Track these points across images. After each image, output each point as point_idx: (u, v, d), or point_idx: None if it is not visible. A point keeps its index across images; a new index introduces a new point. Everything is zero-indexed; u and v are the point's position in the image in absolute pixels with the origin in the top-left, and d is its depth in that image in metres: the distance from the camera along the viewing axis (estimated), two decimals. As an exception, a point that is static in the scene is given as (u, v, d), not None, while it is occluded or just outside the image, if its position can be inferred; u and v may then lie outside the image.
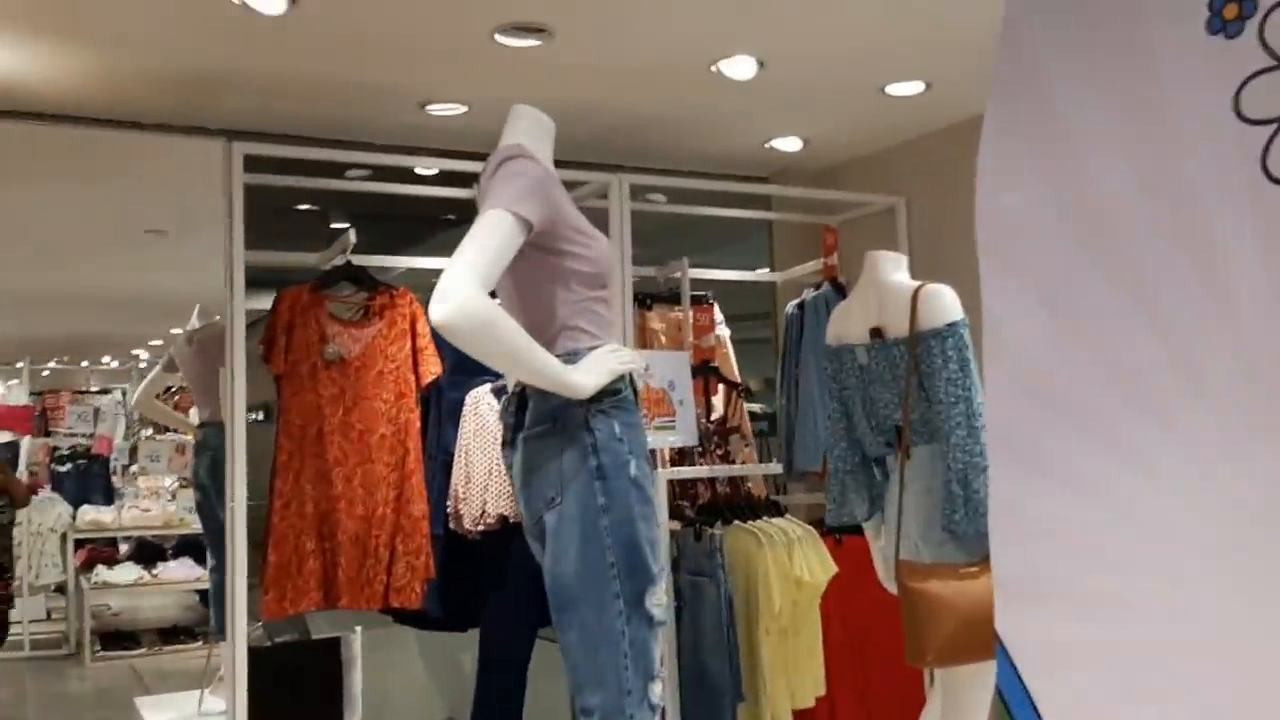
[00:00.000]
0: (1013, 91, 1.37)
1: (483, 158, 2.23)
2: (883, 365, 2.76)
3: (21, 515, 5.78)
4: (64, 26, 2.94)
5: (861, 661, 3.52)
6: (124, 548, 6.86)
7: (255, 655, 3.05)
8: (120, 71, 3.27)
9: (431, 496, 3.29)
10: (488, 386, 3.29)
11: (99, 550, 6.71)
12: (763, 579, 3.18)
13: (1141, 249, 1.22)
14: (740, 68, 3.35)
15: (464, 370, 3.22)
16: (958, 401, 2.59)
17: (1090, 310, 1.27)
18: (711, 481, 3.68)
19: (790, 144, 4.23)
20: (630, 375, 2.18)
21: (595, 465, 2.06)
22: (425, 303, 1.96)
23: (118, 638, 6.42)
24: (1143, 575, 1.22)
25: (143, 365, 7.77)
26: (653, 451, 3.39)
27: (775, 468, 3.83)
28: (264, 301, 3.26)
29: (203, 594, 5.93)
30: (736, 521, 3.33)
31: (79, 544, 6.71)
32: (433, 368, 3.30)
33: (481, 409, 3.31)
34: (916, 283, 2.73)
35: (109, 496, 7.21)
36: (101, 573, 6.37)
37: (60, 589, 6.67)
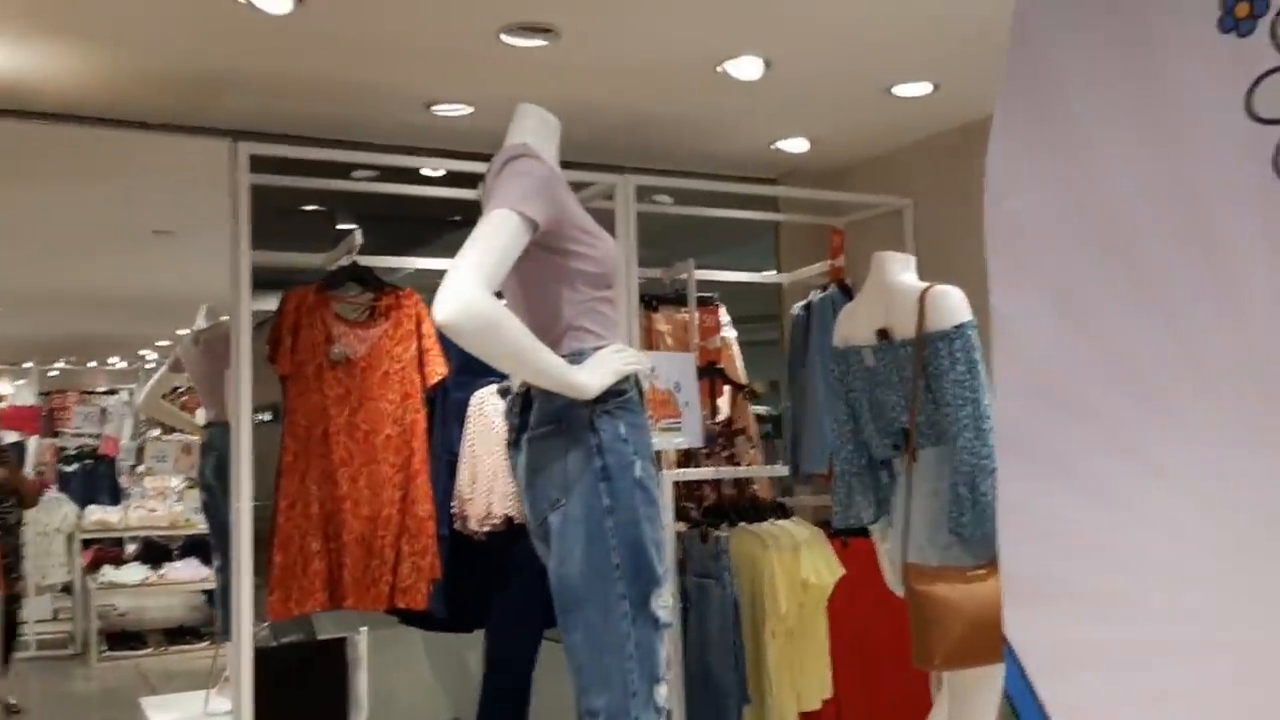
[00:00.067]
0: (1022, 91, 1.36)
1: (488, 158, 2.23)
2: (890, 367, 2.75)
3: (28, 515, 5.79)
4: (70, 26, 2.94)
5: (868, 664, 3.51)
6: (130, 548, 6.87)
7: (261, 656, 3.05)
8: (126, 71, 3.27)
9: (437, 497, 3.29)
10: (493, 387, 3.29)
11: (105, 550, 6.73)
12: (769, 581, 3.17)
13: (1151, 249, 1.21)
14: (747, 68, 3.34)
15: (469, 371, 3.22)
16: (965, 404, 2.57)
17: (1100, 311, 1.26)
18: (717, 483, 3.68)
19: (797, 145, 4.23)
20: (635, 376, 2.18)
21: (600, 466, 2.05)
22: (431, 303, 1.95)
23: (124, 638, 6.43)
24: (1151, 576, 1.21)
25: (150, 366, 7.79)
26: (658, 453, 3.39)
27: (781, 470, 3.82)
28: (271, 302, 3.27)
29: (209, 594, 5.93)
30: (742, 523, 3.32)
31: (85, 544, 6.73)
32: (438, 368, 3.30)
33: (487, 409, 3.30)
34: (924, 284, 2.72)
35: (115, 497, 7.23)
36: (108, 573, 6.39)
37: (66, 589, 6.69)
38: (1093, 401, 1.27)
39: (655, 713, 2.06)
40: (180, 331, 4.57)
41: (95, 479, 7.42)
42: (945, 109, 3.79)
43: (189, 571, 6.48)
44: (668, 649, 2.17)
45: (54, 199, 4.30)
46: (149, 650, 6.29)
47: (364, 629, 3.49)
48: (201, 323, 4.24)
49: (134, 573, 6.44)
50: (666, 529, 3.05)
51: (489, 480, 3.26)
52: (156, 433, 6.67)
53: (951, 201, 3.80)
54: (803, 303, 3.92)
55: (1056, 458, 1.31)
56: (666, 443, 3.31)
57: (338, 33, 3.02)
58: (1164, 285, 1.20)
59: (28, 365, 8.80)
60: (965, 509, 2.55)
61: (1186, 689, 1.18)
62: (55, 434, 7.99)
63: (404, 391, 3.25)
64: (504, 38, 3.06)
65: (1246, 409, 1.13)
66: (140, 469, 6.86)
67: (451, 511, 3.35)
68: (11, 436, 6.90)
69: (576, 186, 3.35)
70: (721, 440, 3.77)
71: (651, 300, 4.00)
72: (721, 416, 3.88)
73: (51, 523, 6.53)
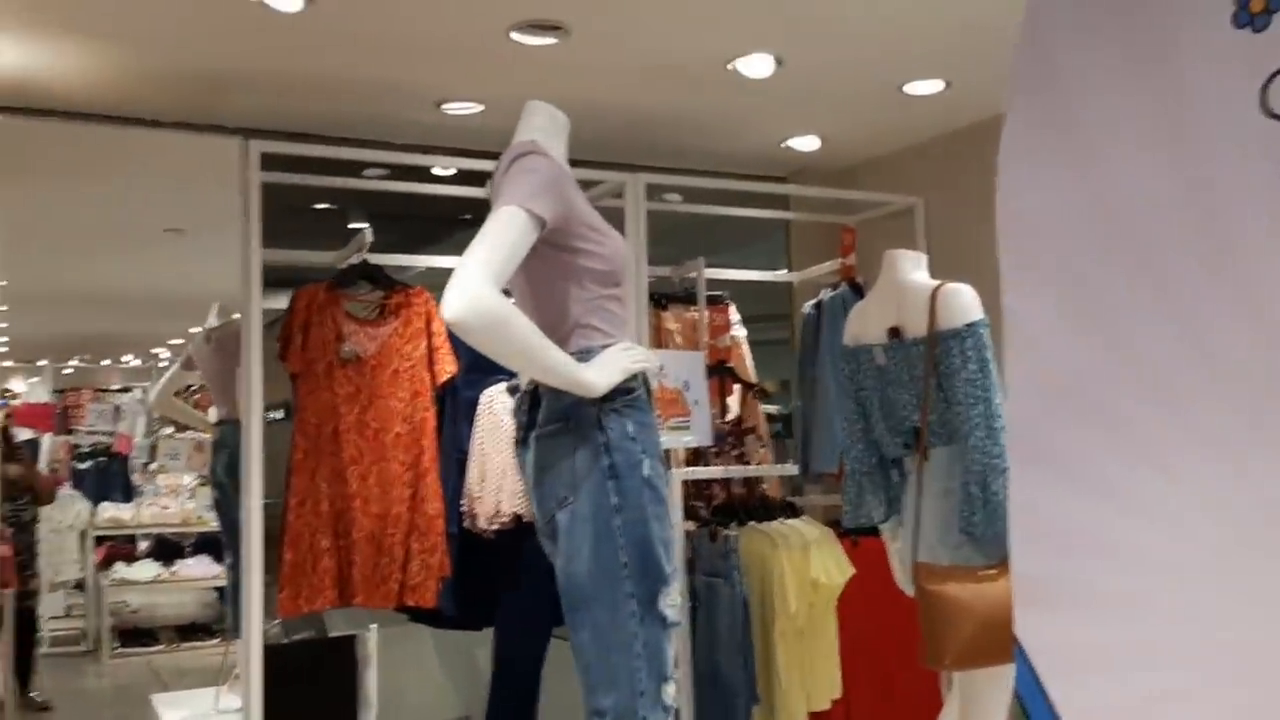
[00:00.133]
0: (1033, 87, 1.35)
1: (498, 157, 2.22)
2: (901, 365, 2.73)
3: (42, 512, 5.82)
4: (80, 23, 2.95)
5: (878, 664, 3.50)
6: (143, 545, 6.90)
7: (271, 653, 3.06)
8: (136, 69, 3.28)
9: (446, 495, 3.29)
10: (502, 385, 3.29)
11: (118, 547, 6.76)
12: (778, 580, 3.16)
13: (1164, 247, 1.20)
14: (757, 66, 3.33)
15: (479, 369, 3.22)
16: (977, 402, 2.56)
17: (1112, 310, 1.25)
18: (727, 482, 3.67)
19: (808, 143, 4.21)
20: (644, 374, 2.17)
21: (608, 464, 2.05)
22: (440, 301, 1.94)
23: (136, 634, 6.46)
24: (1163, 577, 1.20)
25: (163, 364, 7.82)
26: (667, 452, 3.38)
27: (791, 469, 3.81)
28: (283, 300, 3.27)
29: (221, 591, 5.96)
30: (752, 523, 3.32)
31: (98, 541, 6.77)
32: (448, 366, 3.30)
33: (496, 408, 3.30)
34: (935, 282, 2.71)
35: (128, 494, 7.26)
36: (120, 570, 6.42)
37: (79, 586, 6.73)
38: (1105, 402, 1.26)
39: (663, 712, 2.06)
40: (193, 330, 4.59)
41: (108, 476, 7.45)
42: (957, 107, 3.77)
43: (201, 569, 6.50)
44: (676, 648, 2.17)
45: (66, 197, 4.32)
46: (161, 647, 6.32)
47: (373, 626, 3.49)
48: (213, 321, 4.25)
49: (146, 570, 6.47)
50: (675, 528, 3.05)
51: (498, 478, 3.26)
52: (169, 431, 6.70)
53: (963, 200, 3.78)
54: (813, 301, 3.91)
55: (1068, 458, 1.30)
56: (675, 441, 3.31)
57: (348, 31, 3.02)
58: (1177, 284, 1.19)
59: (42, 363, 8.85)
60: (977, 508, 2.54)
61: (1198, 691, 1.17)
62: (69, 431, 8.03)
63: (414, 389, 3.26)
64: (514, 36, 3.05)
65: (1260, 410, 1.12)
66: (153, 466, 6.89)
67: (461, 509, 3.35)
68: (25, 434, 6.93)
69: (586, 185, 3.35)
70: (731, 439, 3.77)
71: (661, 299, 3.99)
72: (731, 415, 3.88)
73: (65, 520, 6.57)
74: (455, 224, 4.53)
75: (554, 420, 2.10)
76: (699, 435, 3.35)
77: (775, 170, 4.57)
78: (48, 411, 7.93)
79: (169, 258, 5.22)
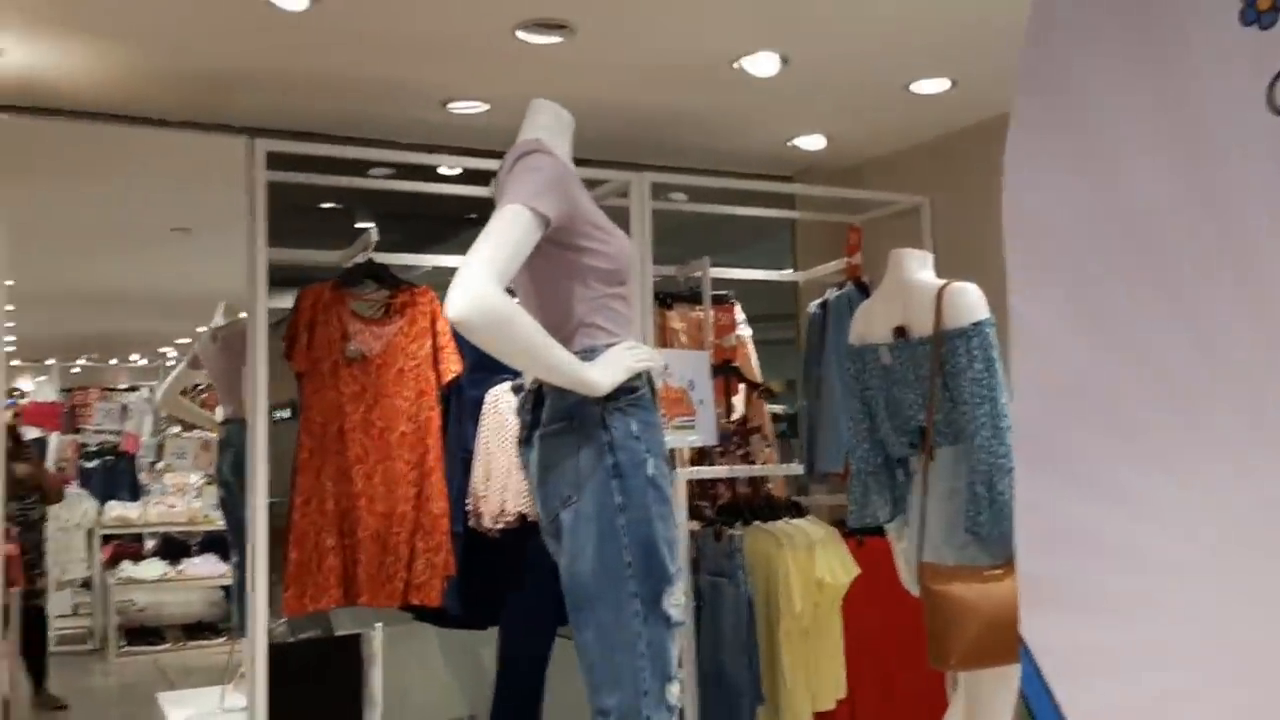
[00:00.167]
0: (1039, 86, 1.34)
1: (504, 156, 2.22)
2: (906, 365, 2.73)
3: (50, 511, 5.84)
4: (86, 23, 2.96)
5: (883, 664, 3.49)
6: (149, 543, 6.91)
7: (276, 651, 3.06)
8: (142, 68, 3.29)
9: (451, 494, 3.29)
10: (507, 384, 3.28)
11: (125, 546, 6.76)
12: (783, 580, 3.16)
13: (1172, 246, 1.20)
14: (763, 64, 3.33)
15: (484, 368, 3.22)
16: (983, 402, 2.55)
17: (1119, 309, 1.25)
18: (732, 482, 3.66)
19: (814, 142, 4.21)
20: (648, 373, 2.17)
21: (612, 464, 2.05)
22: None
23: (142, 633, 6.47)
24: (1168, 577, 1.19)
25: (170, 363, 7.83)
26: (672, 451, 3.37)
27: (796, 468, 3.80)
28: (289, 299, 3.28)
29: (227, 590, 5.96)
30: (756, 522, 3.31)
31: (105, 540, 6.77)
32: (453, 365, 3.30)
33: (501, 407, 3.30)
34: (941, 281, 2.70)
35: (135, 493, 7.27)
36: (127, 568, 6.42)
37: (86, 584, 6.74)
38: (1112, 401, 1.25)
39: (667, 712, 2.05)
40: (200, 329, 4.60)
41: (115, 475, 7.46)
42: (963, 106, 3.76)
43: (207, 567, 6.51)
44: (680, 648, 2.16)
45: (72, 196, 4.33)
46: (167, 645, 6.33)
47: (379, 625, 3.50)
48: (219, 320, 4.26)
49: (153, 568, 6.48)
50: (680, 527, 3.05)
51: (503, 477, 3.26)
52: (176, 430, 6.71)
53: (970, 199, 3.77)
54: (819, 301, 3.90)
55: (1074, 458, 1.29)
56: (680, 441, 3.30)
57: (354, 29, 3.02)
58: (1184, 282, 1.18)
59: (50, 362, 8.87)
60: (982, 508, 2.53)
61: (1203, 690, 1.17)
62: (77, 430, 8.04)
63: (419, 388, 3.26)
64: (519, 34, 3.05)
65: (1262, 409, 1.11)
66: (160, 465, 6.91)
67: (466, 509, 3.35)
68: (33, 433, 6.95)
69: (591, 184, 3.35)
70: (736, 439, 3.76)
71: (666, 298, 3.99)
72: (736, 415, 3.87)
73: (72, 518, 6.58)
74: (461, 223, 4.52)
75: (558, 419, 2.10)
76: (704, 435, 3.35)
77: (781, 169, 4.56)
78: (55, 410, 7.94)
79: (176, 257, 5.23)
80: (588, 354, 2.09)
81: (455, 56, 3.27)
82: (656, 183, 3.51)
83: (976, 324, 2.59)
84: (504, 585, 3.42)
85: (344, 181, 3.56)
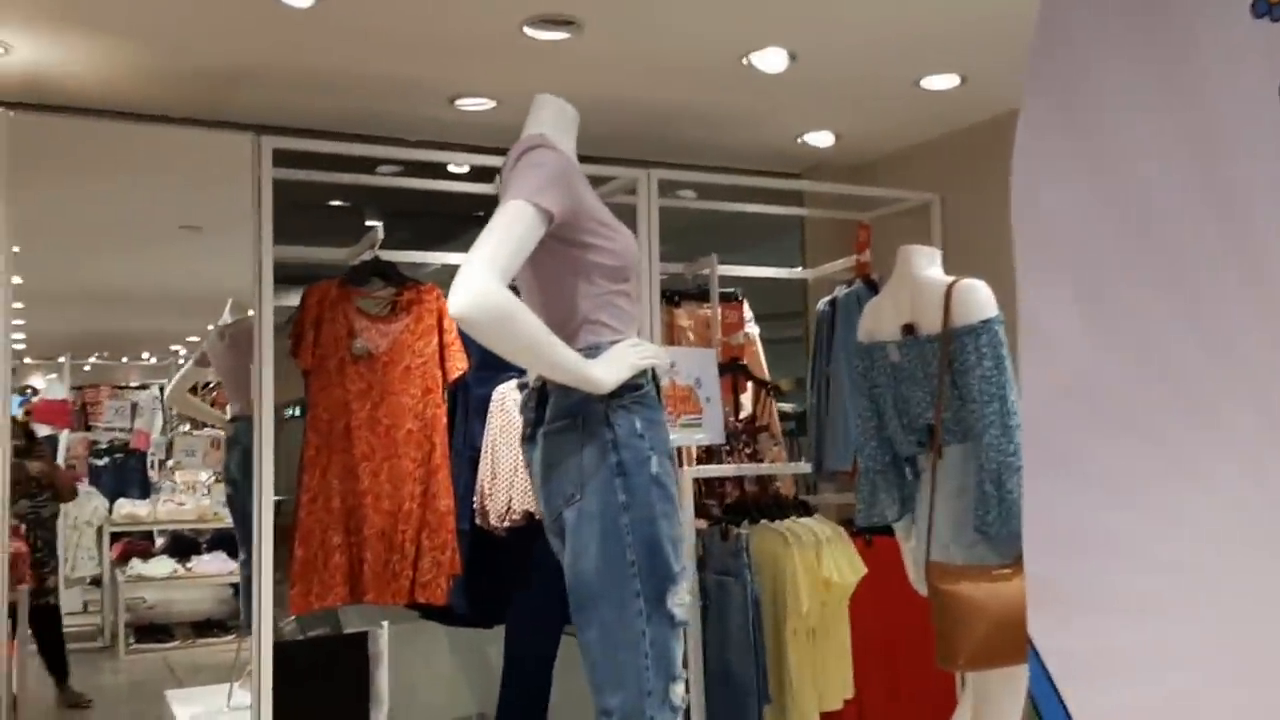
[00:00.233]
0: (1049, 81, 1.32)
1: (510, 152, 2.21)
2: (915, 362, 2.71)
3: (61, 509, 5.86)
4: (92, 20, 2.96)
5: (891, 664, 3.47)
6: (159, 541, 6.94)
7: (283, 649, 3.06)
8: (149, 65, 3.29)
9: (458, 492, 3.28)
10: (514, 382, 3.28)
11: (134, 543, 6.79)
12: (790, 579, 3.14)
13: (1183, 242, 1.18)
14: (772, 60, 3.31)
15: (491, 366, 3.21)
16: (992, 400, 2.54)
17: (1130, 306, 1.23)
18: (740, 480, 3.65)
19: (823, 139, 4.19)
20: (652, 370, 2.15)
21: (615, 462, 2.03)
22: (455, 299, 1.93)
23: (152, 630, 6.49)
24: (1178, 577, 1.18)
25: (181, 361, 7.86)
26: (680, 449, 3.36)
27: (804, 467, 3.79)
28: (298, 298, 3.27)
29: (236, 587, 5.97)
30: (764, 521, 3.29)
31: (114, 537, 6.80)
32: (459, 363, 3.30)
33: (508, 405, 3.29)
34: (950, 278, 2.68)
35: (145, 490, 7.29)
36: (136, 566, 6.45)
37: (96, 582, 6.76)
38: (1122, 399, 1.24)
39: (671, 712, 2.04)
40: (211, 327, 4.60)
41: (125, 473, 7.49)
42: (973, 102, 3.74)
43: (217, 565, 6.52)
44: (686, 647, 2.15)
45: (80, 194, 4.33)
46: (177, 643, 6.34)
47: (385, 623, 3.49)
48: (227, 317, 4.26)
49: (162, 566, 6.50)
50: (686, 526, 3.03)
51: (510, 476, 3.25)
52: (186, 427, 6.72)
53: (980, 196, 3.75)
54: (828, 298, 3.88)
55: (1083, 458, 1.27)
56: (686, 439, 3.29)
57: (360, 26, 3.02)
58: (1196, 279, 1.17)
59: (61, 360, 8.91)
60: (991, 507, 2.51)
61: (1213, 692, 1.15)
62: (88, 428, 8.07)
63: (425, 386, 3.25)
64: (526, 30, 3.04)
65: (1276, 409, 1.09)
66: (170, 463, 6.93)
67: (472, 507, 3.35)
68: (43, 430, 6.97)
69: (599, 181, 3.34)
70: (744, 437, 3.75)
71: (674, 296, 3.98)
72: (744, 413, 3.86)
73: (82, 516, 6.60)
74: (470, 221, 4.52)
75: (562, 417, 2.08)
76: (711, 433, 3.34)
77: (790, 166, 4.54)
78: (65, 408, 7.97)
79: (185, 255, 5.24)
80: (591, 351, 2.08)
81: (463, 53, 3.26)
82: (664, 180, 3.50)
83: (985, 321, 2.57)
84: (510, 584, 3.42)
85: (348, 179, 3.56)
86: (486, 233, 1.94)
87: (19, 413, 6.44)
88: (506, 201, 1.99)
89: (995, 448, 2.51)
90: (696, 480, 3.37)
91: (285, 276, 3.12)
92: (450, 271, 3.49)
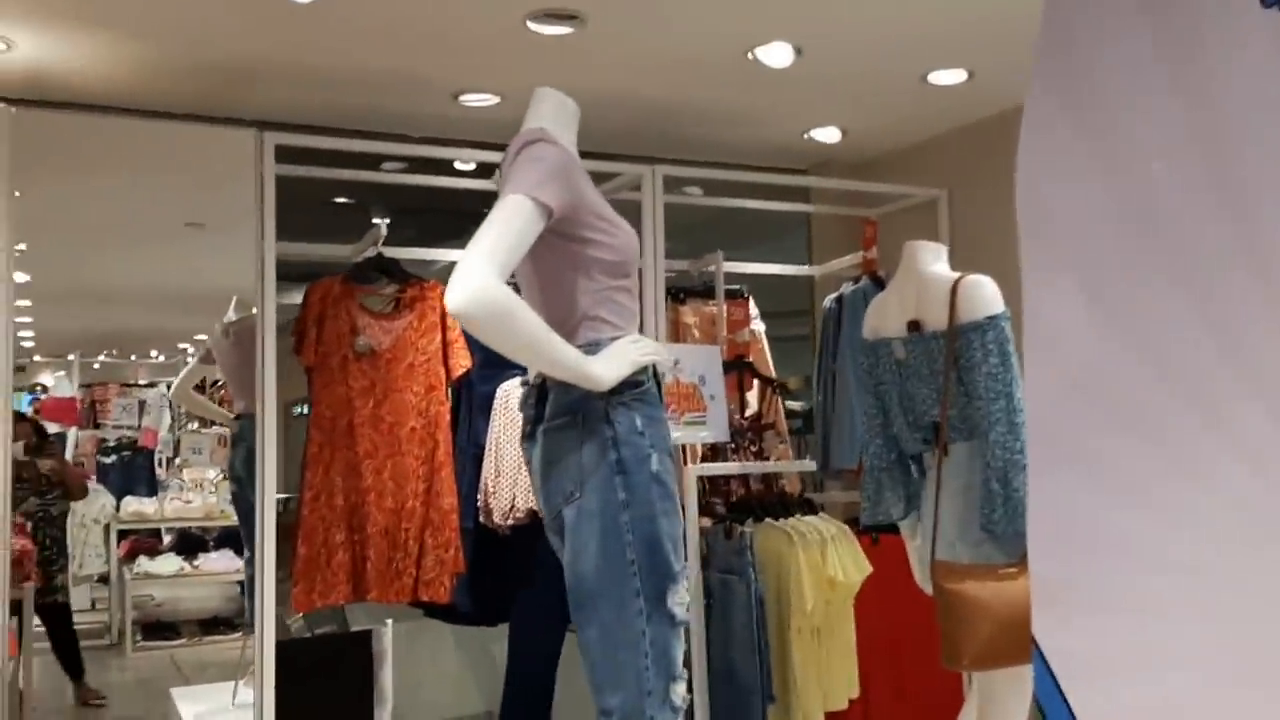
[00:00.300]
0: (1055, 75, 1.31)
1: (511, 148, 2.20)
2: (920, 359, 2.69)
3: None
4: (96, 16, 2.96)
5: (896, 663, 3.45)
6: (166, 539, 6.95)
7: (287, 647, 3.06)
8: (152, 61, 3.28)
9: (461, 490, 3.28)
10: (518, 380, 3.27)
11: (141, 541, 6.80)
12: (794, 578, 3.12)
13: (1190, 238, 1.16)
14: (777, 55, 3.29)
15: (494, 363, 3.20)
16: (998, 397, 2.52)
17: (1137, 303, 1.21)
18: (745, 478, 3.63)
19: (829, 135, 4.16)
20: (653, 367, 2.13)
21: (615, 459, 2.02)
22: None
23: (159, 628, 6.51)
24: (1186, 578, 1.16)
25: (189, 359, 7.88)
26: (684, 447, 3.34)
27: (809, 465, 3.77)
28: (302, 295, 3.26)
29: (243, 585, 5.98)
30: (768, 519, 3.27)
31: (122, 535, 6.81)
32: (463, 360, 3.29)
33: (512, 403, 3.28)
34: (956, 274, 2.66)
35: (152, 488, 7.31)
36: (143, 563, 6.46)
37: (103, 579, 6.77)
38: (1128, 397, 1.22)
39: (671, 712, 2.02)
40: (215, 325, 4.60)
41: (133, 470, 7.50)
42: (980, 97, 3.71)
43: (223, 562, 6.53)
44: (690, 646, 2.14)
45: (85, 191, 4.34)
46: (183, 640, 6.36)
47: (389, 621, 3.49)
48: (232, 315, 4.26)
49: (169, 563, 6.51)
50: (689, 524, 3.01)
51: (513, 473, 3.24)
52: (194, 425, 6.73)
53: (987, 192, 3.73)
54: (834, 295, 3.86)
55: (1088, 456, 1.26)
56: (690, 437, 3.27)
57: (363, 21, 3.01)
58: (1203, 276, 1.15)
59: (71, 358, 8.94)
60: (997, 505, 2.49)
61: (1219, 694, 1.13)
62: (96, 426, 8.10)
63: (429, 384, 3.24)
64: (530, 25, 3.03)
65: (1282, 406, 1.07)
66: (177, 461, 6.94)
67: (476, 505, 3.34)
68: (51, 428, 6.99)
69: (603, 177, 3.32)
70: (749, 435, 3.73)
71: (679, 293, 3.96)
72: (750, 411, 3.84)
73: (90, 513, 6.62)
74: (475, 217, 4.50)
75: (561, 414, 2.07)
76: (715, 431, 3.32)
77: (796, 163, 4.52)
78: (73, 405, 7.99)
79: (190, 252, 5.24)
80: (591, 347, 2.06)
81: (466, 48, 3.25)
82: (669, 176, 3.48)
83: (991, 317, 2.55)
84: (514, 582, 3.41)
85: (351, 175, 3.55)
86: (485, 227, 1.93)
87: (30, 410, 6.46)
88: (505, 196, 1.97)
89: (1001, 445, 2.49)
90: (701, 478, 3.35)
91: (289, 274, 3.11)
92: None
